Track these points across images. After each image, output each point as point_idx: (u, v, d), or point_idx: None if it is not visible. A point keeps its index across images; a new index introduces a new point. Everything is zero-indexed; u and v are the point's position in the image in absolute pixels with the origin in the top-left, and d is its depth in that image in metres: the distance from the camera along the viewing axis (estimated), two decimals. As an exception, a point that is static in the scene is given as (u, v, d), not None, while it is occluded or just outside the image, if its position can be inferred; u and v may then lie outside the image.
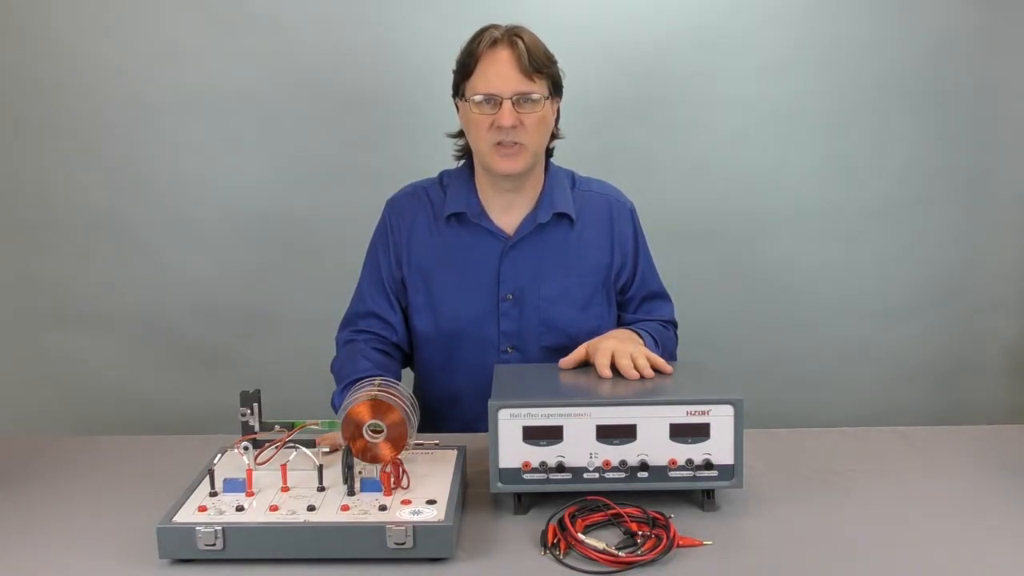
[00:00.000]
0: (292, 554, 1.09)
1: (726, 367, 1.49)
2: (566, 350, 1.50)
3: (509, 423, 1.19)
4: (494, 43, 1.52)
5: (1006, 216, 2.50)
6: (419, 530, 1.07)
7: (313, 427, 1.26)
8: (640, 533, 1.12)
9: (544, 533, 1.14)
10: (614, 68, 2.37)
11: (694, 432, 1.20)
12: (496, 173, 1.56)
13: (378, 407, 1.19)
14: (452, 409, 1.66)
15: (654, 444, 1.20)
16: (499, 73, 1.50)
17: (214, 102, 2.38)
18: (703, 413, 1.20)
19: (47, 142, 2.40)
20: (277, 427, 1.27)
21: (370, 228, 2.45)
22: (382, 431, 1.19)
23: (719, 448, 1.20)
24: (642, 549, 1.09)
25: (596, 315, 1.65)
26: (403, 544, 1.07)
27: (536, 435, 1.20)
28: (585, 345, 1.43)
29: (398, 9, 2.36)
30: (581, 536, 1.10)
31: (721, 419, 1.20)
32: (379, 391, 1.20)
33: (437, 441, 1.36)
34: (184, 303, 2.47)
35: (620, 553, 1.07)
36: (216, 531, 1.07)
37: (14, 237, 2.45)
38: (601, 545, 1.08)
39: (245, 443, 1.24)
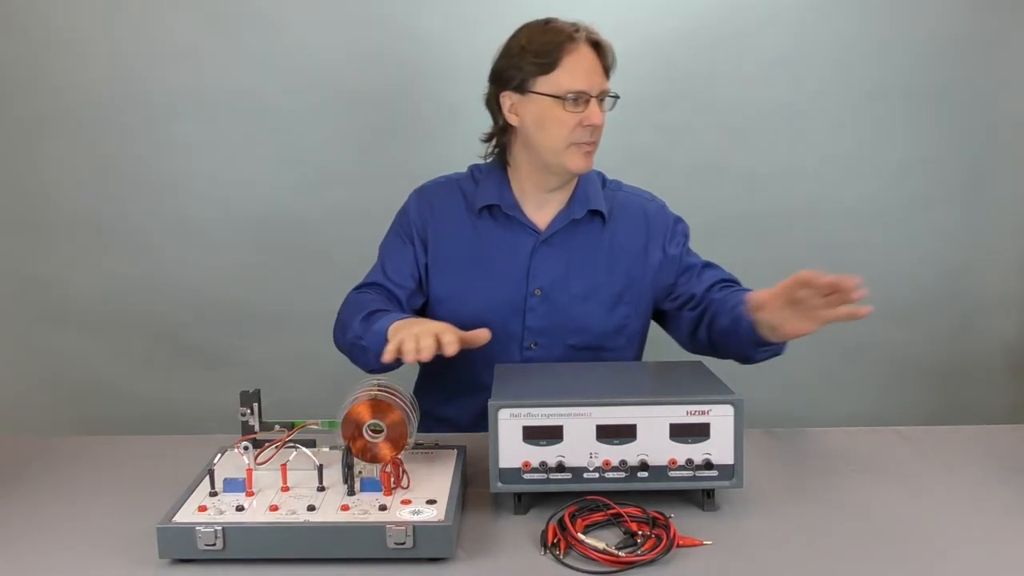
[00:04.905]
0: (292, 554, 1.08)
1: (726, 367, 1.49)
2: (589, 348, 1.54)
3: (509, 423, 1.19)
4: (579, 40, 1.51)
5: (1006, 216, 2.50)
6: (419, 530, 1.07)
7: (313, 427, 1.26)
8: (640, 533, 1.12)
9: (544, 533, 1.14)
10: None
11: (694, 432, 1.20)
12: (568, 172, 1.56)
13: (378, 407, 1.19)
14: (466, 402, 1.65)
15: (654, 444, 1.20)
16: (589, 70, 1.50)
17: (214, 102, 2.38)
18: (703, 413, 1.20)
19: (47, 142, 2.40)
20: (277, 427, 1.27)
21: (370, 228, 2.45)
22: (382, 431, 1.19)
23: (719, 448, 1.20)
24: (642, 549, 1.09)
25: (623, 314, 1.64)
26: (403, 544, 1.07)
27: (536, 435, 1.20)
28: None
29: (399, 9, 2.36)
30: (581, 536, 1.10)
31: (721, 419, 1.20)
32: (379, 391, 1.20)
33: (437, 441, 1.36)
34: (184, 303, 2.47)
35: (620, 553, 1.07)
36: (216, 531, 1.07)
37: (14, 237, 2.45)
38: (601, 545, 1.08)
39: (245, 443, 1.24)
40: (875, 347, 2.56)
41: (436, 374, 1.72)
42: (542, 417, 1.20)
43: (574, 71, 1.50)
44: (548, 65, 1.50)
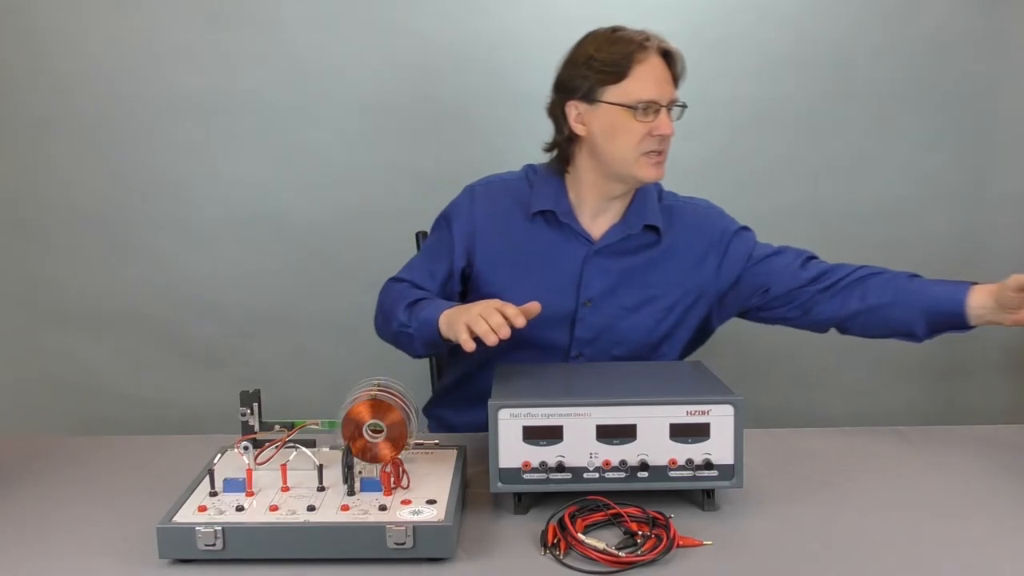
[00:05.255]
0: (292, 554, 1.08)
1: (726, 367, 1.49)
2: (635, 359, 1.57)
3: (509, 423, 1.19)
4: (649, 49, 1.50)
5: (1006, 216, 2.50)
6: (419, 530, 1.07)
7: (313, 427, 1.26)
8: (640, 533, 1.12)
9: (544, 533, 1.13)
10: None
11: (694, 432, 1.20)
12: (637, 181, 1.55)
13: (378, 407, 1.19)
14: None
15: (654, 444, 1.20)
16: (658, 80, 1.50)
17: (214, 102, 2.38)
18: (703, 413, 1.20)
19: (47, 142, 2.40)
20: (277, 427, 1.27)
21: (371, 228, 2.47)
22: (382, 431, 1.19)
23: (719, 448, 1.20)
24: (642, 549, 1.09)
25: (672, 323, 1.63)
26: (403, 544, 1.07)
27: (536, 435, 1.20)
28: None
29: (400, 9, 2.36)
30: (581, 536, 1.10)
31: (721, 419, 1.20)
32: (379, 391, 1.20)
33: (437, 441, 1.36)
34: (184, 303, 2.47)
35: (620, 553, 1.07)
36: (216, 531, 1.07)
37: (14, 237, 2.45)
38: (601, 545, 1.08)
39: (245, 443, 1.24)
40: (875, 347, 2.54)
41: (459, 384, 1.72)
42: (542, 417, 1.20)
43: (645, 80, 1.49)
44: (618, 74, 1.49)
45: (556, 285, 1.58)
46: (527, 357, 1.57)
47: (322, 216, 2.44)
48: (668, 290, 1.61)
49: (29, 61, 2.36)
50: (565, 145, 1.59)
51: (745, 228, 1.69)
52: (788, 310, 1.63)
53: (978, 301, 1.46)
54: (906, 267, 2.50)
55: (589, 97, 1.52)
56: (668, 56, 1.53)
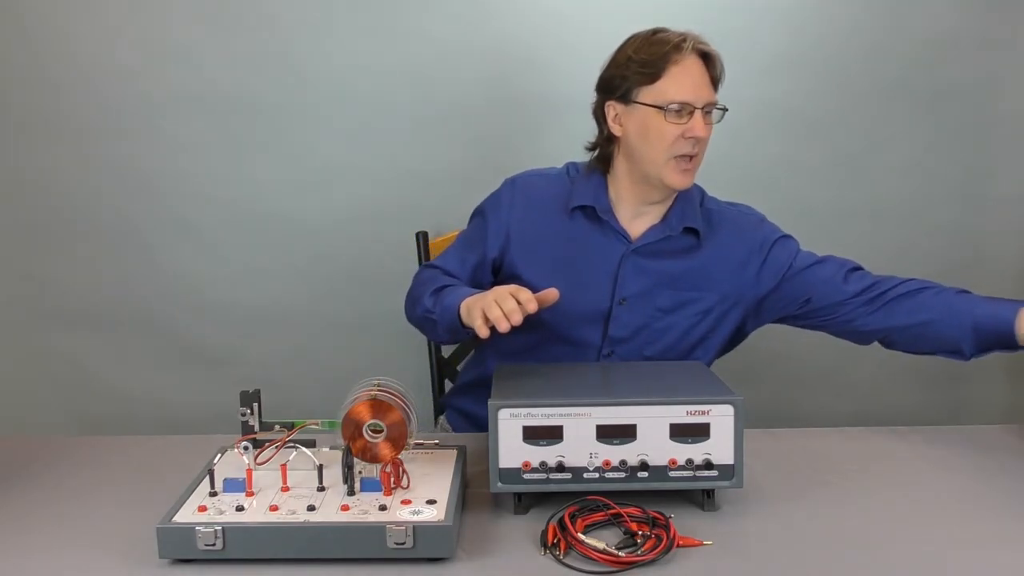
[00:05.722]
0: (292, 554, 1.08)
1: (726, 367, 1.49)
2: (669, 358, 1.58)
3: (509, 423, 1.19)
4: (687, 50, 1.50)
5: (1006, 216, 2.50)
6: (419, 530, 1.07)
7: (313, 427, 1.26)
8: (640, 533, 1.12)
9: (544, 533, 1.14)
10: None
11: (694, 432, 1.20)
12: (666, 187, 1.54)
13: (378, 407, 1.19)
14: None
15: (654, 444, 1.20)
16: (695, 82, 1.49)
17: (214, 102, 2.37)
18: (703, 413, 1.20)
19: (47, 142, 2.40)
20: (277, 427, 1.27)
21: (370, 227, 2.47)
22: (382, 431, 1.19)
23: (719, 448, 1.20)
24: (642, 549, 1.09)
25: (707, 327, 1.62)
26: (403, 544, 1.07)
27: (536, 435, 1.20)
28: None
29: (399, 9, 2.36)
30: (581, 536, 1.10)
31: (721, 419, 1.20)
32: (379, 391, 1.20)
33: (437, 441, 1.36)
34: (184, 303, 2.47)
35: (620, 553, 1.07)
36: (216, 531, 1.07)
37: (14, 237, 2.45)
38: (601, 545, 1.08)
39: (245, 443, 1.24)
40: (875, 347, 2.55)
41: (483, 377, 1.69)
42: (542, 417, 1.20)
43: (679, 81, 1.48)
44: (653, 75, 1.49)
45: (592, 282, 1.58)
46: (559, 353, 1.58)
47: (322, 216, 2.44)
48: (705, 294, 1.60)
49: (28, 61, 2.36)
50: (605, 145, 1.60)
51: (787, 236, 1.68)
52: (829, 321, 1.62)
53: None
54: (906, 267, 2.50)
55: (626, 98, 1.53)
56: (707, 58, 1.52)
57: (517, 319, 1.29)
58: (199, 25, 2.34)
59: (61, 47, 2.36)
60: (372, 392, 1.20)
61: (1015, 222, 2.51)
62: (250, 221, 2.44)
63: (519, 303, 1.29)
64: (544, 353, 1.58)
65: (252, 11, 2.34)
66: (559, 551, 1.10)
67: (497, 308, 1.30)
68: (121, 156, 2.41)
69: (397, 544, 1.07)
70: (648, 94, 1.50)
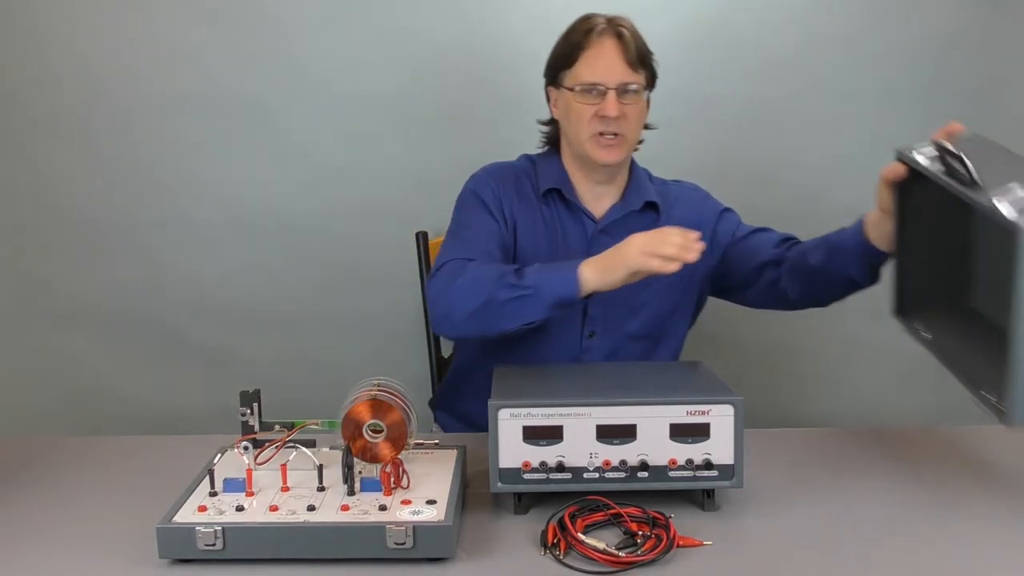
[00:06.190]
0: (292, 554, 1.08)
1: (726, 367, 1.49)
2: (647, 336, 1.61)
3: (509, 423, 1.19)
4: (599, 33, 1.55)
5: (1006, 216, 2.50)
6: (419, 530, 1.07)
7: (313, 427, 1.26)
8: (640, 533, 1.12)
9: (544, 533, 1.14)
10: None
11: (694, 432, 1.20)
12: (594, 163, 1.59)
13: (378, 407, 1.19)
14: None
15: (654, 444, 1.20)
16: (606, 63, 1.53)
17: (214, 102, 2.38)
18: (703, 413, 1.20)
19: (47, 142, 2.40)
20: (277, 427, 1.27)
21: (370, 227, 2.47)
22: (382, 431, 1.19)
23: (719, 448, 1.20)
24: (642, 549, 1.09)
25: (675, 298, 1.67)
26: (403, 544, 1.07)
27: (536, 435, 1.20)
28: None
29: (399, 9, 2.36)
30: (581, 536, 1.10)
31: (721, 419, 1.20)
32: (379, 391, 1.20)
33: (437, 441, 1.36)
34: (184, 303, 2.47)
35: (620, 553, 1.07)
36: (216, 531, 1.07)
37: (13, 237, 2.45)
38: (601, 545, 1.08)
39: (245, 443, 1.24)
40: (875, 347, 2.55)
41: (470, 371, 1.73)
42: (542, 417, 1.20)
43: (591, 63, 1.54)
44: (571, 59, 1.56)
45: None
46: (542, 338, 1.58)
47: (322, 216, 2.44)
48: None
49: (28, 61, 2.36)
50: (552, 129, 1.69)
51: (729, 209, 1.75)
52: (761, 286, 1.67)
53: (870, 219, 1.48)
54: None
55: (556, 82, 1.61)
56: (623, 39, 1.55)
57: (692, 256, 1.32)
58: (200, 26, 2.34)
59: (62, 47, 2.36)
60: (372, 392, 1.20)
61: (1015, 222, 2.51)
62: (250, 221, 2.44)
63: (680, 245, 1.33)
64: (526, 339, 1.58)
65: (252, 12, 2.34)
66: (559, 551, 1.10)
67: (671, 245, 1.32)
68: (121, 156, 2.41)
69: (397, 544, 1.07)
70: (569, 77, 1.57)
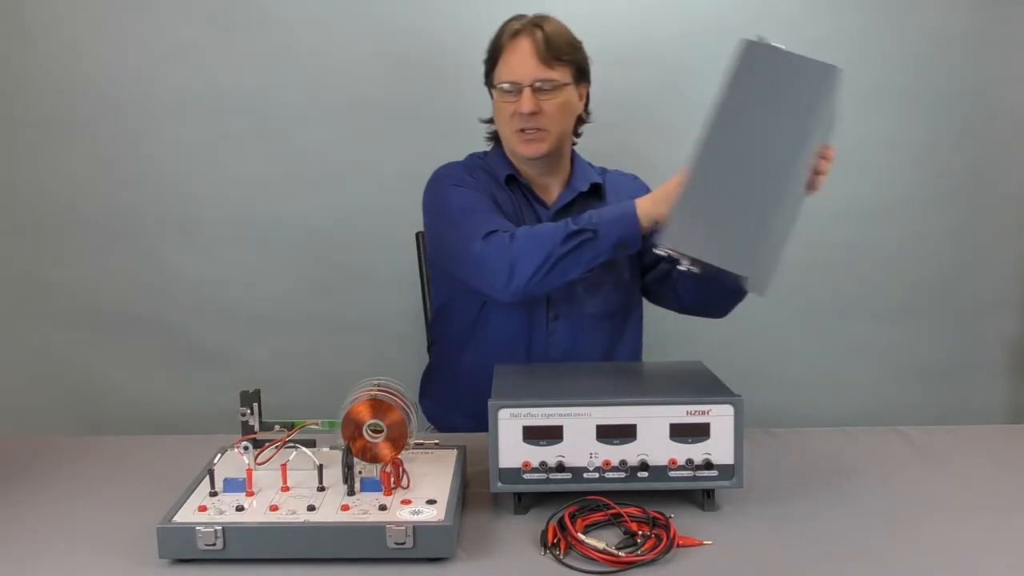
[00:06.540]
0: (292, 554, 1.08)
1: (726, 367, 1.49)
2: (609, 316, 1.66)
3: (509, 423, 1.19)
4: (515, 33, 1.60)
5: (1006, 216, 2.50)
6: (419, 530, 1.07)
7: (313, 427, 1.26)
8: (640, 533, 1.12)
9: (544, 533, 1.14)
10: (612, 68, 2.37)
11: (694, 432, 1.20)
12: (519, 157, 1.65)
13: (378, 407, 1.19)
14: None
15: (654, 444, 1.20)
16: (519, 62, 1.58)
17: (214, 102, 2.38)
18: (703, 413, 1.20)
19: (47, 142, 2.40)
20: (277, 427, 1.27)
21: (370, 227, 2.47)
22: (382, 431, 1.19)
23: (719, 448, 1.20)
24: (642, 549, 1.09)
25: (627, 276, 1.71)
26: (403, 544, 1.07)
27: (536, 435, 1.20)
28: None
29: (399, 10, 2.36)
30: (581, 536, 1.10)
31: (721, 419, 1.20)
32: (379, 391, 1.20)
33: (437, 441, 1.36)
34: (184, 303, 2.47)
35: (620, 553, 1.07)
36: (216, 531, 1.07)
37: (14, 237, 2.45)
38: (601, 545, 1.08)
39: (245, 443, 1.24)
40: (875, 347, 2.56)
41: (440, 368, 1.77)
42: (542, 417, 1.20)
43: (507, 63, 1.60)
44: (494, 60, 1.64)
45: None
46: (510, 323, 1.64)
47: (322, 216, 2.44)
48: None
49: (29, 61, 2.36)
50: (492, 127, 1.75)
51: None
52: (656, 275, 1.72)
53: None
54: (906, 266, 2.52)
55: (488, 83, 1.68)
56: (535, 37, 1.59)
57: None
58: (200, 26, 2.35)
59: (62, 48, 2.36)
60: (372, 392, 1.20)
61: (1015, 222, 2.51)
62: (250, 221, 2.44)
63: None
64: (494, 324, 1.66)
65: (253, 12, 2.34)
66: (559, 551, 1.10)
67: None
68: (122, 156, 2.41)
69: (397, 544, 1.07)
70: (494, 77, 1.63)
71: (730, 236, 1.20)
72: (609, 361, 1.71)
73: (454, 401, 1.74)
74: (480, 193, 1.65)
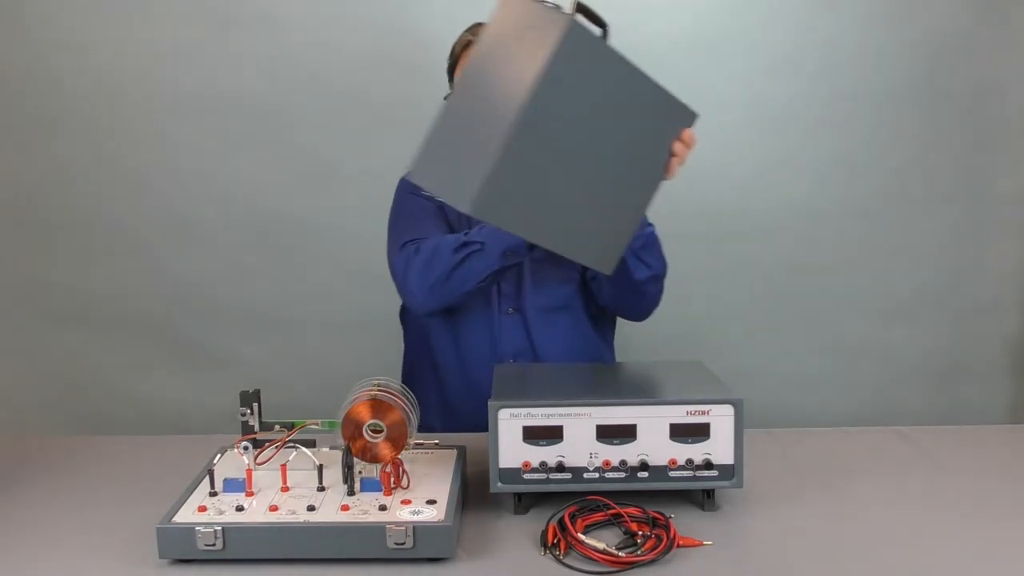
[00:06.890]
0: (292, 554, 1.08)
1: (726, 367, 1.49)
2: (560, 309, 1.66)
3: (509, 423, 1.19)
4: (467, 45, 1.65)
5: (1006, 216, 2.50)
6: (419, 530, 1.07)
7: (313, 427, 1.26)
8: (640, 533, 1.12)
9: (544, 533, 1.14)
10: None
11: (694, 432, 1.20)
12: None
13: (378, 407, 1.19)
14: (461, 375, 1.70)
15: (654, 444, 1.20)
16: None
17: (214, 102, 2.38)
18: (703, 413, 1.20)
19: (47, 142, 2.40)
20: (277, 427, 1.27)
21: (370, 227, 2.45)
22: (382, 431, 1.19)
23: (719, 448, 1.20)
24: (642, 549, 1.09)
25: (574, 272, 1.70)
26: (403, 544, 1.07)
27: (536, 435, 1.20)
28: None
29: (399, 10, 2.36)
30: (581, 536, 1.10)
31: (721, 419, 1.20)
32: (379, 391, 1.20)
33: (437, 441, 1.36)
34: (184, 303, 2.47)
35: (620, 553, 1.07)
36: (216, 531, 1.07)
37: (14, 237, 2.45)
38: (601, 545, 1.08)
39: (245, 443, 1.24)
40: (875, 347, 2.56)
41: (416, 357, 1.78)
42: (542, 417, 1.20)
43: (460, 72, 1.62)
44: (454, 66, 1.68)
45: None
46: (473, 318, 1.65)
47: (321, 216, 2.44)
48: None
49: (29, 61, 2.36)
50: None
51: None
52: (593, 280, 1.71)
53: None
54: (906, 266, 2.53)
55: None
56: None
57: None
58: (199, 26, 2.35)
59: (62, 48, 2.36)
60: (372, 392, 1.20)
61: (1015, 222, 2.51)
62: (250, 221, 2.44)
63: None
64: (454, 319, 1.67)
65: (252, 11, 2.34)
66: (559, 551, 1.10)
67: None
68: (122, 156, 2.41)
69: (397, 544, 1.07)
70: (454, 83, 1.67)
71: (459, 175, 1.16)
72: (573, 355, 1.71)
73: (424, 396, 1.74)
74: (426, 201, 1.66)
